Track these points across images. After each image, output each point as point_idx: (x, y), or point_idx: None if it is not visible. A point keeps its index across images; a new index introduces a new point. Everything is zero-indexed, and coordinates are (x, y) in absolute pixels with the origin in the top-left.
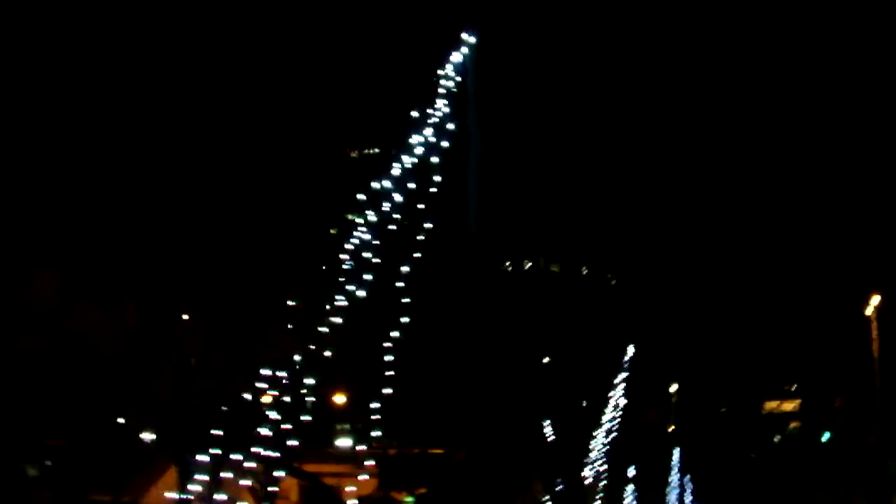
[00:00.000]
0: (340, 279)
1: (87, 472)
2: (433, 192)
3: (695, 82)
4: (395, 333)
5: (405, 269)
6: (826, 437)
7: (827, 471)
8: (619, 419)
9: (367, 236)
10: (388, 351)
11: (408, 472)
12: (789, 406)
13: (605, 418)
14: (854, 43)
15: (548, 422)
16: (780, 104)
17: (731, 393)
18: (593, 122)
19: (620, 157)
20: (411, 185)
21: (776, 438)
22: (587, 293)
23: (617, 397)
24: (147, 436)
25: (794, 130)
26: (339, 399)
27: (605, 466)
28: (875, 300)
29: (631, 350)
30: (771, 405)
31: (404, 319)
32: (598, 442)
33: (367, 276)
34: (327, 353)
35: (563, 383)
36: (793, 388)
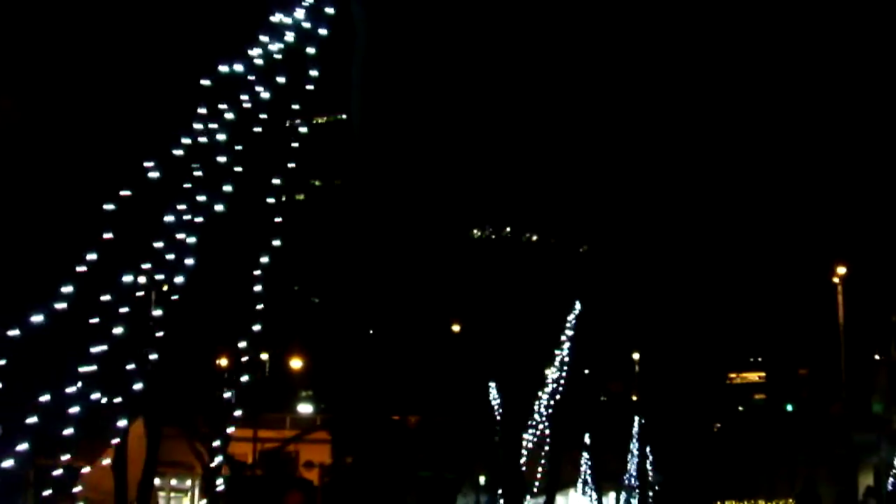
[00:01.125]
0: (186, 187)
1: (39, 436)
2: (309, 90)
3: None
4: (264, 259)
5: (276, 181)
6: (790, 407)
7: (791, 441)
8: (564, 380)
9: (222, 136)
10: (256, 280)
11: (361, 438)
12: (754, 377)
13: (549, 379)
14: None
15: (493, 384)
16: (746, 71)
17: (696, 363)
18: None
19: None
20: (281, 80)
21: (740, 409)
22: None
23: (563, 356)
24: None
25: (759, 100)
26: (297, 364)
27: (549, 430)
28: (841, 269)
29: (577, 307)
30: (735, 376)
31: (276, 242)
32: (542, 404)
33: (227, 188)
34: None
35: (510, 345)
36: (758, 360)
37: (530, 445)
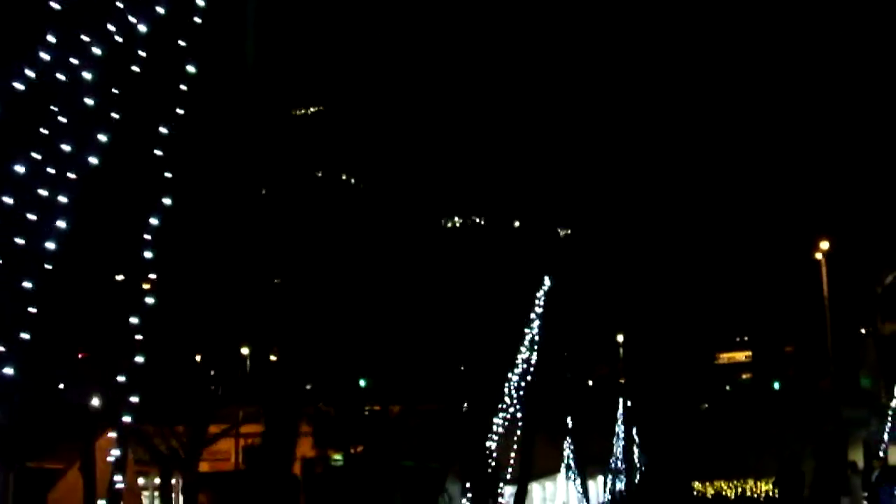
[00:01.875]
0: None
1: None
2: (196, 23)
3: None
4: (154, 221)
5: (163, 130)
6: (777, 385)
7: (778, 419)
8: (536, 361)
9: (88, 76)
10: (147, 245)
11: (343, 430)
12: (741, 356)
13: (519, 359)
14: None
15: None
16: (722, 47)
17: (682, 344)
18: None
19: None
20: (159, 9)
21: (727, 388)
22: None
23: (533, 335)
24: (94, 401)
25: (737, 77)
26: (273, 357)
27: (520, 414)
28: (823, 244)
29: (547, 282)
30: (723, 356)
31: (166, 201)
32: (512, 386)
33: (102, 137)
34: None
35: (478, 327)
36: (745, 339)
37: (500, 430)
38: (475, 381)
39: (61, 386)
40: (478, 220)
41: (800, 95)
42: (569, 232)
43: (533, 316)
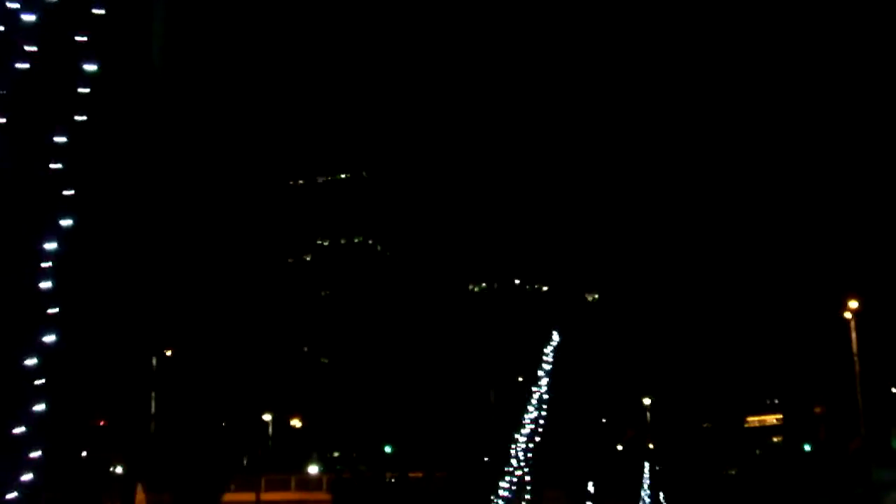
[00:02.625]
0: None
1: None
2: (98, 16)
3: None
4: (51, 245)
5: (61, 139)
6: (808, 447)
7: (810, 482)
8: (543, 419)
9: None
10: (44, 274)
11: (364, 496)
12: (772, 419)
13: (526, 418)
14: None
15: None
16: (750, 102)
17: (712, 408)
18: None
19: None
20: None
21: (757, 452)
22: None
23: (541, 393)
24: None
25: (767, 135)
26: (296, 423)
27: (528, 476)
28: (852, 303)
29: (556, 337)
30: (753, 420)
31: (66, 222)
32: (518, 447)
33: None
34: None
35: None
36: (775, 402)
37: (506, 494)
38: (479, 443)
39: (84, 454)
40: (504, 285)
41: (828, 152)
42: (596, 297)
43: (541, 373)
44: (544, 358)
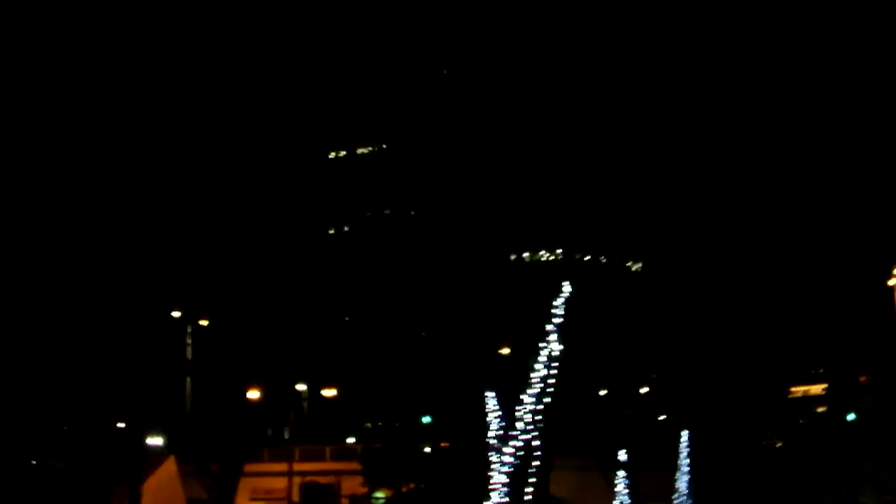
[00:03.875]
0: None
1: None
2: None
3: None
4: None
5: None
6: (852, 416)
7: (854, 450)
8: (553, 378)
9: None
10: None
11: (395, 467)
12: (817, 389)
13: (534, 377)
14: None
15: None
16: (786, 80)
17: (755, 379)
18: None
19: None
20: None
21: (801, 422)
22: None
23: (550, 349)
24: (154, 440)
25: (810, 106)
26: (329, 392)
27: (537, 440)
28: None
29: (567, 288)
30: (797, 390)
31: None
32: (526, 409)
33: None
34: None
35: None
36: (819, 372)
37: (510, 460)
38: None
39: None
40: (550, 255)
41: (876, 117)
42: (640, 266)
43: (550, 328)
44: (554, 311)
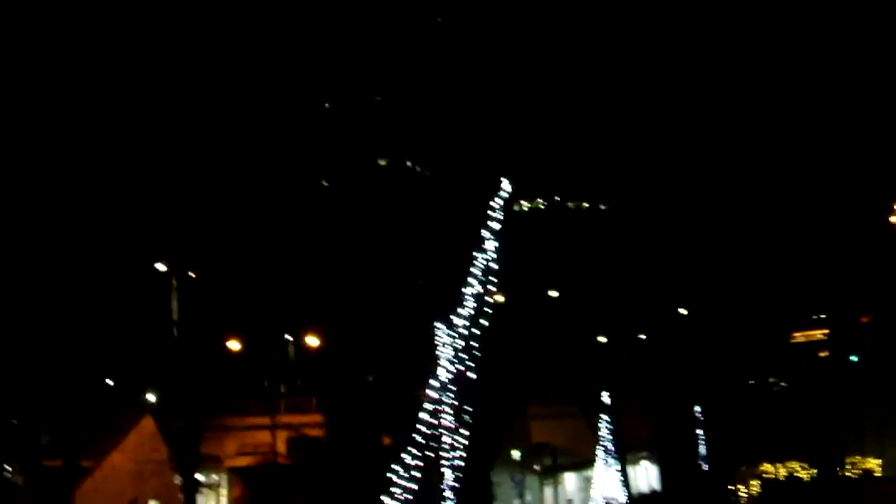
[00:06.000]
0: None
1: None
2: None
3: None
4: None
5: None
6: (854, 359)
7: (856, 393)
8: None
9: None
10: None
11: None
12: (818, 334)
13: (466, 293)
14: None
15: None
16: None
17: (755, 324)
18: None
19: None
20: None
21: (803, 364)
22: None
23: (487, 261)
24: (150, 397)
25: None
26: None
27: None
28: None
29: (506, 187)
30: (799, 335)
31: None
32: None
33: None
34: None
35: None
36: (821, 317)
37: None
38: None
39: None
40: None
41: (870, 70)
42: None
43: (486, 234)
44: (491, 214)
